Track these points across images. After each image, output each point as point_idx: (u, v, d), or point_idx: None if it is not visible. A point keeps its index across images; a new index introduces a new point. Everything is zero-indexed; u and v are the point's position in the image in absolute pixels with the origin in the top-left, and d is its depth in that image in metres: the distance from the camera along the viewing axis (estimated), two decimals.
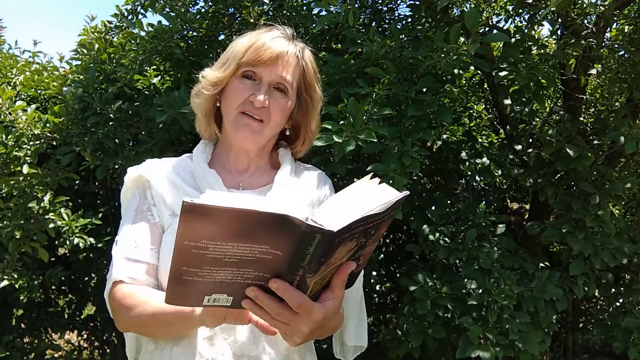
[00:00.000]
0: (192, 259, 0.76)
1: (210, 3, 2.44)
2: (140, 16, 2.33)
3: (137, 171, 1.19)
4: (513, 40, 1.96)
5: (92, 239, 2.25)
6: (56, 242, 2.29)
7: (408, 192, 0.85)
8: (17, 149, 2.12)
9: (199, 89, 1.18)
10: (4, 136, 2.10)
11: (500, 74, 1.90)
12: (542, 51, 1.96)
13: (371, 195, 0.82)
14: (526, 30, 2.10)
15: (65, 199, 2.19)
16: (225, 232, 0.73)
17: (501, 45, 2.26)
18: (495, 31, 2.29)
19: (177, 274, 0.78)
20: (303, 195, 1.21)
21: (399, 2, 2.47)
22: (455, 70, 1.97)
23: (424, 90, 1.78)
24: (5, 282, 2.29)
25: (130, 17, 2.31)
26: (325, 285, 0.87)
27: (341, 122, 1.59)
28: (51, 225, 2.12)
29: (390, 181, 1.63)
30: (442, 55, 1.63)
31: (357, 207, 0.78)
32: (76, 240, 2.13)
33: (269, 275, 0.81)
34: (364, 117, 1.57)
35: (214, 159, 1.22)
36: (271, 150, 1.26)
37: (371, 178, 0.88)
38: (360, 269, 0.89)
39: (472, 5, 2.22)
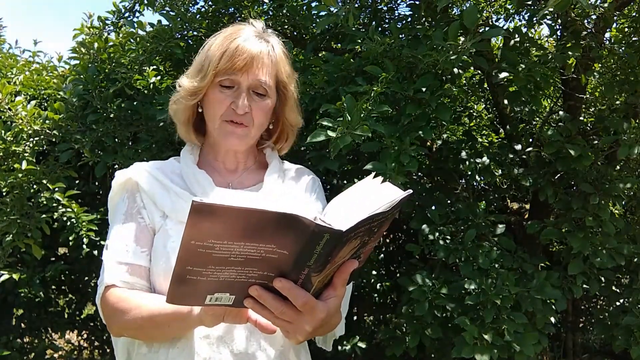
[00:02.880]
0: (198, 259, 0.75)
1: (210, 3, 2.44)
2: (137, 14, 2.33)
3: (126, 175, 1.19)
4: (512, 42, 1.96)
5: (93, 235, 2.23)
6: (54, 242, 2.28)
7: (412, 191, 0.86)
8: (15, 144, 2.12)
9: (177, 98, 1.18)
10: (3, 132, 2.10)
11: (499, 75, 1.90)
12: (541, 52, 1.96)
13: (376, 194, 0.83)
14: (525, 30, 2.10)
15: (76, 192, 2.19)
16: (233, 232, 0.73)
17: (501, 45, 2.27)
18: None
19: (180, 274, 0.77)
20: (293, 194, 1.22)
21: (398, 1, 2.47)
22: (455, 70, 1.97)
23: (423, 89, 1.78)
24: (6, 276, 2.28)
25: (127, 14, 2.31)
26: (326, 283, 0.87)
27: (339, 119, 1.59)
28: (60, 211, 2.11)
29: (388, 179, 1.63)
30: (442, 53, 1.63)
31: (363, 206, 0.79)
32: (82, 233, 2.12)
33: (273, 274, 0.81)
34: (362, 115, 1.57)
35: (202, 160, 1.23)
36: (257, 150, 1.28)
37: (374, 177, 0.88)
38: (360, 265, 0.90)
39: (472, 4, 2.22)
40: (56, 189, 2.11)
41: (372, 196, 0.82)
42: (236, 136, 1.15)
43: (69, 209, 2.12)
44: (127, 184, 1.19)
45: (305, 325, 0.85)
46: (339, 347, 2.57)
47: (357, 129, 1.51)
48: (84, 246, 2.23)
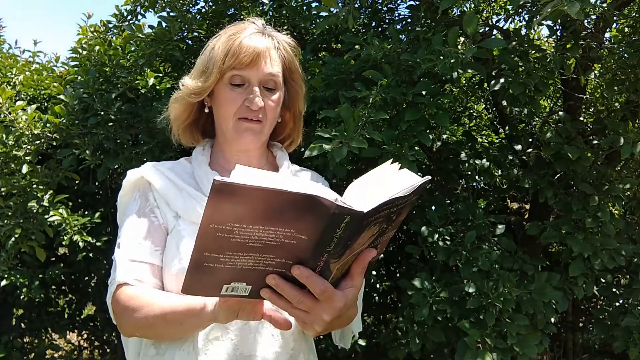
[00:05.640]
0: (216, 244, 0.74)
1: (210, 3, 2.44)
2: (139, 17, 2.33)
3: (138, 173, 1.18)
4: (511, 45, 1.96)
5: (90, 238, 2.22)
6: (54, 243, 2.29)
7: (430, 177, 0.84)
8: (16, 148, 2.12)
9: (179, 96, 1.17)
10: (4, 136, 2.10)
11: (497, 81, 1.90)
12: (540, 54, 1.96)
13: (395, 180, 0.82)
14: (525, 31, 2.10)
15: (65, 196, 2.18)
16: (252, 214, 0.71)
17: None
18: (495, 31, 2.29)
19: (197, 261, 0.76)
20: None
21: (398, 1, 2.47)
22: (454, 73, 1.97)
23: (423, 93, 1.77)
24: (5, 282, 2.28)
25: (129, 17, 2.31)
26: (344, 273, 0.86)
27: (337, 127, 1.59)
28: (52, 219, 2.10)
29: None
30: (441, 58, 1.63)
31: (382, 190, 0.78)
32: (75, 238, 2.12)
33: (291, 262, 0.79)
34: (360, 122, 1.58)
35: (212, 161, 1.22)
36: (267, 151, 1.27)
37: (391, 164, 0.87)
38: (378, 256, 0.88)
39: (472, 5, 2.22)
40: (44, 195, 2.11)
41: (391, 181, 0.81)
42: (251, 132, 1.14)
43: (56, 216, 2.11)
44: (138, 182, 1.18)
45: (323, 314, 0.83)
46: (339, 346, 2.56)
47: (354, 140, 1.52)
48: (78, 250, 2.23)
